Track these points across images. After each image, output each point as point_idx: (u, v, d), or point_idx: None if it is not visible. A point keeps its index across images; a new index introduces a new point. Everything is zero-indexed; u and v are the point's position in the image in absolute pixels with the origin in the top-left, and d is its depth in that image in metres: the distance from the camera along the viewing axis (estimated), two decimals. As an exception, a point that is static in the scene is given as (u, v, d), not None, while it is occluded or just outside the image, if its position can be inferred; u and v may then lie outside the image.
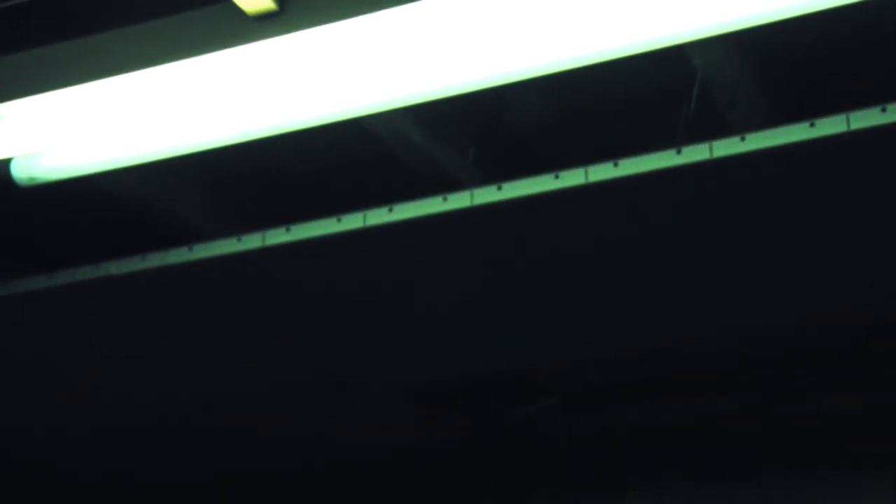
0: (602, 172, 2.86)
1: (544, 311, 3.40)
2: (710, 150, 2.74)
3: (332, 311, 3.46)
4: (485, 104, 2.86)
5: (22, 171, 2.71)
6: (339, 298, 3.41)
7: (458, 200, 3.02)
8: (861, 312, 3.25)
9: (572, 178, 2.90)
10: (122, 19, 2.56)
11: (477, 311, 3.47)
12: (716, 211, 2.97)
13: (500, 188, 3.01)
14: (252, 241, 3.09)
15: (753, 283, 3.12)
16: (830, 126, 2.61)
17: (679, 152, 2.79)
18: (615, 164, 2.88)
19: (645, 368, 3.64)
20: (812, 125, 2.65)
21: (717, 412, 3.90)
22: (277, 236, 3.08)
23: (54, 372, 3.80)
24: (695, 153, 2.76)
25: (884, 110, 2.59)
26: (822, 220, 2.91)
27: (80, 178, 2.71)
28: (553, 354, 3.61)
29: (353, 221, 3.05)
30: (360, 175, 3.19)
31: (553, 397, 3.91)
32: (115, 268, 3.16)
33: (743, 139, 2.71)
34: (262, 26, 2.47)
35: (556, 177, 2.94)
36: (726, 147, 2.73)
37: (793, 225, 2.95)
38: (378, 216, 3.04)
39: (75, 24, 2.59)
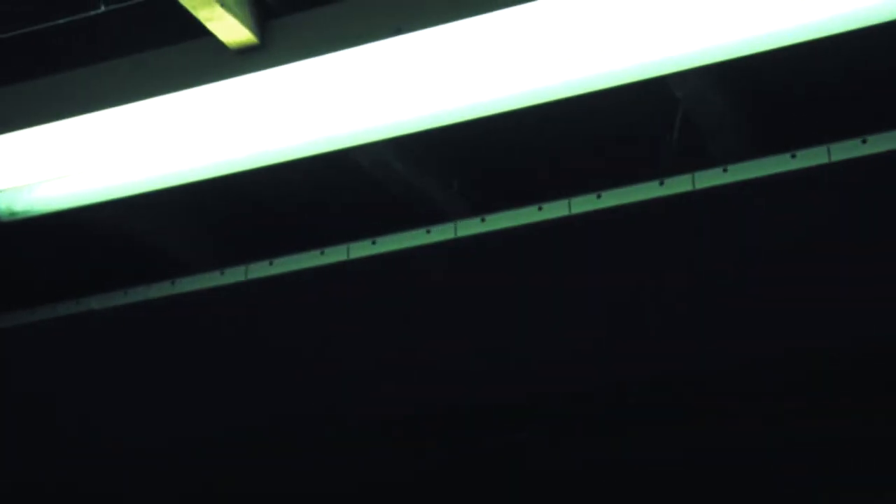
0: (585, 204, 2.87)
1: (530, 340, 3.38)
2: (693, 181, 2.76)
3: (314, 343, 3.45)
4: (468, 136, 2.86)
5: (2, 205, 2.70)
6: (322, 330, 3.40)
7: (442, 232, 3.02)
8: (845, 339, 3.24)
9: (556, 209, 2.91)
10: (103, 54, 2.56)
11: (462, 341, 3.46)
12: (698, 241, 2.98)
13: (483, 220, 3.02)
14: (235, 275, 3.08)
15: (736, 311, 3.11)
16: (812, 157, 2.63)
17: (662, 184, 2.80)
18: (598, 196, 2.88)
19: (633, 399, 3.62)
20: (793, 156, 2.67)
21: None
22: (261, 270, 3.07)
23: (35, 408, 3.77)
24: (677, 184, 2.77)
25: (864, 141, 2.61)
26: (804, 249, 2.92)
27: (61, 211, 2.69)
28: (539, 383, 3.59)
29: (336, 254, 3.05)
30: (343, 207, 3.18)
31: (540, 427, 3.88)
32: (97, 302, 3.15)
33: (725, 170, 2.73)
34: (245, 60, 2.47)
35: (540, 209, 2.95)
36: (709, 178, 2.74)
37: (774, 255, 2.95)
38: (362, 249, 3.04)
39: (56, 58, 2.59)
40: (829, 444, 2.98)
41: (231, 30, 2.41)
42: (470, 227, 2.99)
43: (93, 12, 2.24)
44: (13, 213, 2.69)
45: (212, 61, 2.49)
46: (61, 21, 2.27)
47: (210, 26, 2.39)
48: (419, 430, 3.45)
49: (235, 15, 2.38)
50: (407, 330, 3.29)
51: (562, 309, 3.16)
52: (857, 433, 2.94)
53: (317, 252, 3.06)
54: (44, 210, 2.69)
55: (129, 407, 3.71)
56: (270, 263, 3.09)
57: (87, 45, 2.57)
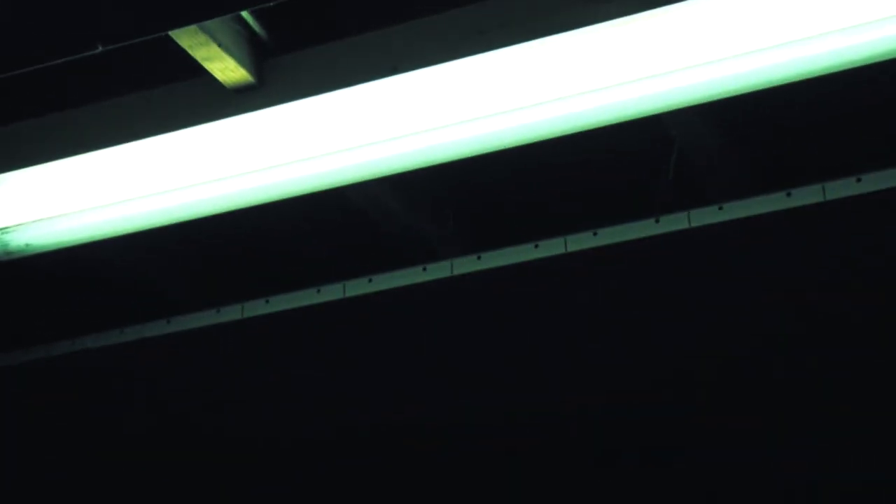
0: (581, 242, 2.87)
1: (523, 381, 3.37)
2: (689, 219, 2.76)
3: (311, 381, 3.43)
4: (464, 174, 2.87)
5: (-1, 245, 2.70)
6: (319, 368, 3.39)
7: (438, 270, 3.02)
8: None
9: (552, 247, 2.91)
10: (100, 93, 2.57)
11: (458, 378, 3.45)
12: (694, 278, 2.98)
13: (479, 258, 3.02)
14: (231, 313, 3.08)
15: (731, 351, 3.11)
16: (807, 196, 2.64)
17: (658, 221, 2.80)
18: (594, 234, 2.89)
19: (623, 437, 3.60)
20: (789, 195, 2.67)
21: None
22: (257, 308, 3.07)
23: (31, 447, 3.76)
24: (673, 222, 2.77)
25: (859, 180, 2.62)
26: (799, 288, 2.92)
27: (56, 250, 2.69)
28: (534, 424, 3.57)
29: (332, 293, 3.04)
30: (339, 246, 3.18)
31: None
32: (92, 342, 3.14)
33: (721, 208, 2.73)
34: (242, 99, 2.48)
35: (536, 246, 2.95)
36: (704, 216, 2.74)
37: (770, 293, 2.96)
38: (358, 287, 3.04)
39: (53, 98, 2.60)
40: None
41: (228, 69, 2.42)
42: (466, 264, 3.00)
43: (90, 52, 2.24)
44: (9, 252, 2.68)
45: (209, 100, 2.50)
46: (58, 61, 2.27)
47: (207, 66, 2.40)
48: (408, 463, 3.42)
49: (233, 55, 2.40)
50: (403, 368, 3.29)
51: (557, 347, 3.16)
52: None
53: (313, 290, 3.05)
54: (39, 249, 2.68)
55: (123, 447, 3.70)
56: (266, 302, 3.09)
57: (84, 84, 2.58)
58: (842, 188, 2.63)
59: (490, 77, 2.35)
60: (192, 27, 2.26)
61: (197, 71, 2.43)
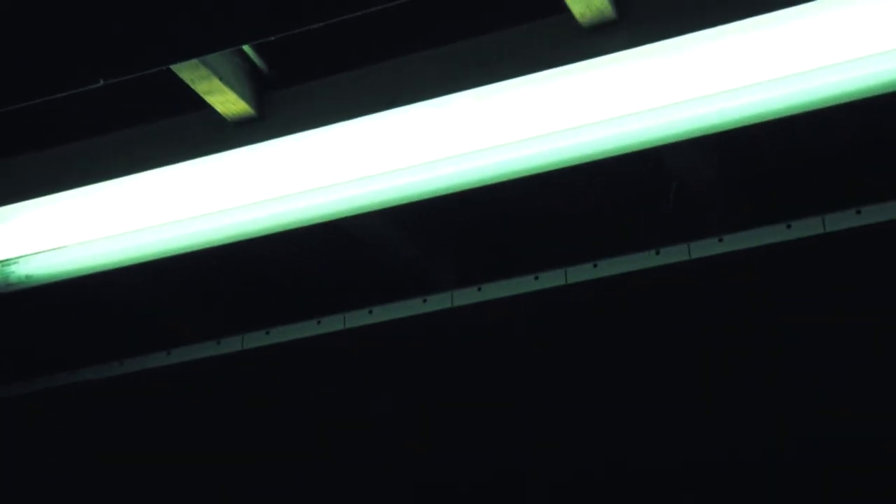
0: (581, 273, 2.87)
1: (528, 411, 3.36)
2: (689, 250, 2.76)
3: (311, 413, 3.42)
4: (464, 205, 2.87)
5: (-1, 278, 2.71)
6: (320, 400, 3.37)
7: (439, 302, 3.02)
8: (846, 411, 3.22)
9: (552, 279, 2.91)
10: (101, 127, 2.58)
11: (459, 411, 3.44)
12: (695, 310, 2.97)
13: (480, 289, 3.02)
14: (231, 345, 3.07)
15: (734, 384, 3.10)
16: (807, 228, 2.64)
17: (658, 253, 2.80)
18: (595, 266, 2.89)
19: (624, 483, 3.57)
20: (789, 227, 2.67)
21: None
22: (257, 339, 3.06)
23: (32, 479, 3.74)
24: (673, 254, 2.77)
25: (858, 212, 2.62)
26: (797, 320, 2.91)
27: (57, 282, 2.69)
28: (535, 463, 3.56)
29: (332, 324, 3.04)
30: (340, 277, 3.18)
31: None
32: (93, 373, 3.13)
33: (721, 240, 2.73)
34: (242, 132, 2.49)
35: (536, 278, 2.95)
36: (704, 248, 2.74)
37: (770, 325, 2.95)
38: (358, 318, 3.03)
39: (54, 131, 2.61)
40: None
41: (229, 102, 2.43)
42: (466, 296, 2.99)
43: (92, 86, 2.25)
44: (10, 284, 2.68)
45: (210, 133, 2.50)
46: (60, 95, 2.28)
47: (209, 99, 2.41)
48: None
49: (233, 88, 2.40)
50: (404, 399, 3.28)
51: (558, 383, 3.15)
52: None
53: (313, 322, 3.05)
54: (40, 281, 2.69)
55: (124, 478, 3.68)
56: (267, 333, 3.08)
57: (85, 117, 2.58)
58: (842, 220, 2.63)
59: (490, 109, 2.36)
60: (194, 61, 2.27)
61: (198, 104, 2.43)
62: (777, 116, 2.28)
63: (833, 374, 2.88)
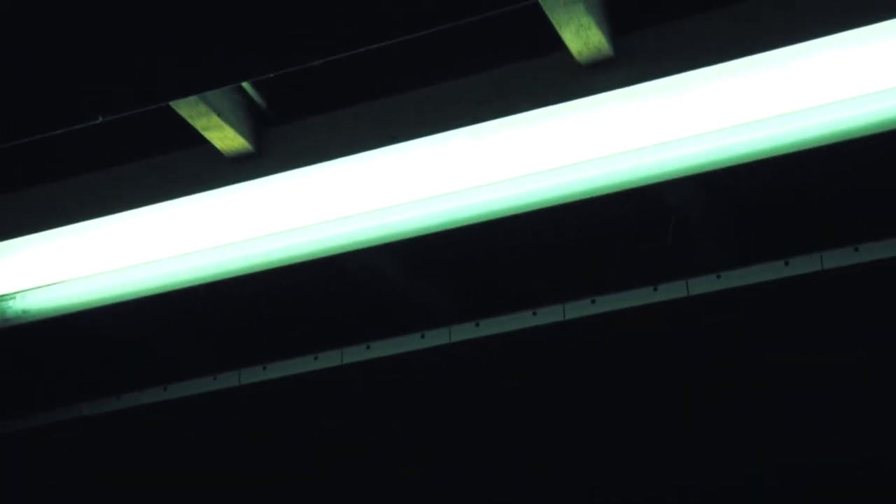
0: (580, 309, 2.86)
1: (528, 447, 3.35)
2: (687, 287, 2.76)
3: (309, 449, 3.41)
4: (462, 241, 2.87)
5: (-5, 312, 2.70)
6: (317, 436, 3.36)
7: (437, 337, 3.01)
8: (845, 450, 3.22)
9: (550, 315, 2.90)
10: (100, 162, 2.58)
11: (458, 445, 3.43)
12: (693, 346, 2.97)
13: (478, 325, 3.01)
14: (228, 380, 3.06)
15: (731, 421, 3.09)
16: (804, 265, 2.64)
17: (656, 289, 2.80)
18: (593, 301, 2.88)
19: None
20: (787, 264, 2.67)
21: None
22: (254, 375, 3.05)
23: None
24: (671, 291, 2.77)
25: (856, 249, 2.62)
26: (796, 357, 2.91)
27: (53, 317, 2.68)
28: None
29: (330, 359, 3.03)
30: (337, 312, 3.17)
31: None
32: (89, 409, 3.11)
33: (719, 277, 2.73)
34: (241, 168, 2.49)
35: (534, 314, 2.94)
36: (702, 285, 2.74)
37: (768, 362, 2.95)
38: (356, 354, 3.02)
39: (54, 167, 2.61)
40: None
41: (227, 138, 2.43)
42: (464, 332, 2.98)
43: (90, 123, 2.26)
44: (6, 320, 2.68)
45: (208, 169, 2.50)
46: (59, 131, 2.28)
47: (207, 135, 2.41)
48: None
49: (232, 124, 2.41)
50: (401, 436, 3.27)
51: (555, 417, 3.14)
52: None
53: (310, 357, 3.04)
54: (37, 316, 2.68)
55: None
56: (264, 368, 3.07)
57: (84, 153, 2.59)
58: (839, 258, 2.63)
59: (488, 146, 2.36)
60: (193, 97, 2.27)
61: (196, 140, 2.44)
62: (775, 154, 2.28)
63: (824, 407, 2.88)
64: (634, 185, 2.38)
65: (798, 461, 2.90)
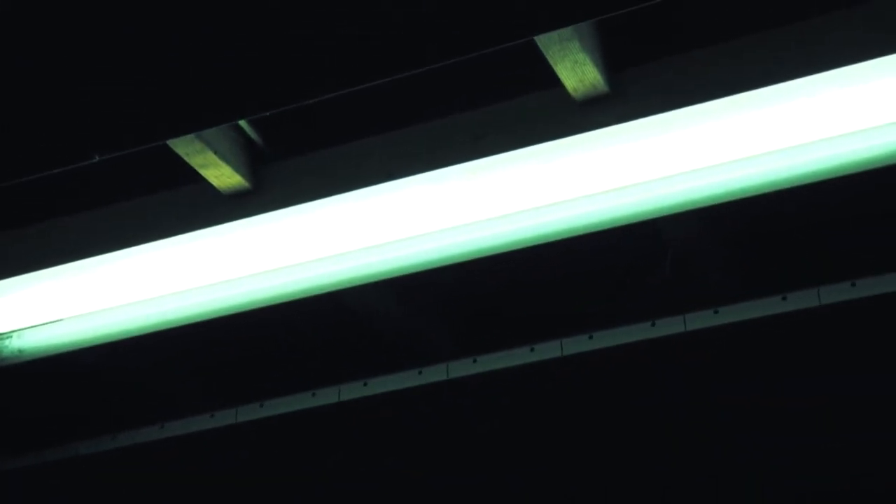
0: (577, 345, 2.86)
1: (523, 483, 3.33)
2: (685, 322, 2.75)
3: (307, 487, 3.38)
4: (459, 277, 2.86)
5: (-9, 351, 2.69)
6: (315, 473, 3.34)
7: (434, 374, 3.00)
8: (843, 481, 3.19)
9: (547, 350, 2.90)
10: (96, 201, 2.58)
11: (453, 481, 3.41)
12: (689, 382, 2.96)
13: (475, 361, 3.00)
14: (225, 418, 3.04)
15: (728, 457, 3.07)
16: (802, 300, 2.63)
17: (653, 325, 2.79)
18: (590, 337, 2.87)
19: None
20: (784, 298, 2.67)
21: None
22: (251, 412, 3.04)
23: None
24: (669, 326, 2.76)
25: (853, 285, 2.62)
26: (794, 393, 2.90)
27: (49, 356, 2.67)
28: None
29: (327, 396, 3.01)
30: (334, 349, 3.16)
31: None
32: (85, 448, 3.09)
33: (716, 312, 2.72)
34: (237, 205, 2.49)
35: (532, 349, 2.93)
36: (700, 320, 2.73)
37: (766, 396, 2.93)
38: (353, 391, 3.01)
39: (50, 206, 2.60)
40: None
41: (224, 176, 2.43)
42: (462, 368, 2.97)
43: (86, 162, 2.26)
44: (2, 359, 2.67)
45: (205, 206, 2.50)
46: (54, 171, 2.28)
47: (203, 173, 2.41)
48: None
49: (228, 162, 2.40)
50: (400, 473, 3.25)
51: (553, 454, 3.12)
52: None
53: (308, 394, 3.02)
54: (33, 355, 2.67)
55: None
56: (261, 406, 3.06)
57: (79, 191, 2.58)
58: (837, 293, 2.63)
59: (486, 182, 2.36)
60: (189, 135, 2.27)
61: (193, 177, 2.43)
62: (772, 189, 2.28)
63: (833, 446, 2.86)
64: (631, 221, 2.38)
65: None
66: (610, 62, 2.25)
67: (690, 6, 2.25)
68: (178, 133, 2.24)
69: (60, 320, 2.62)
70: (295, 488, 3.36)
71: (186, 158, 2.35)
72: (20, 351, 2.65)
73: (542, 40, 2.07)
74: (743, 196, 2.31)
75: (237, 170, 2.43)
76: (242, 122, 2.45)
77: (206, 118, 2.22)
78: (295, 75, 2.16)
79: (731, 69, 2.20)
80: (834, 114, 2.20)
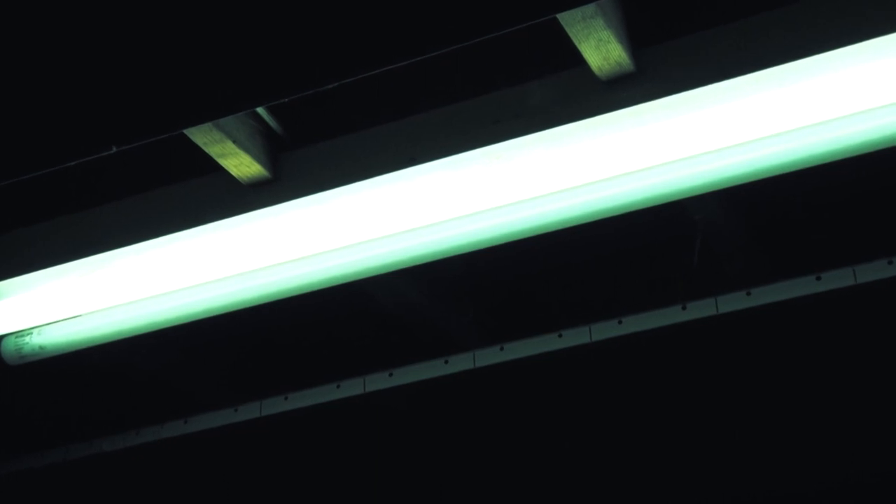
0: (606, 330, 2.81)
1: (554, 475, 3.29)
2: (716, 305, 2.70)
3: (333, 482, 3.36)
4: (485, 263, 2.83)
5: (12, 348, 2.66)
6: (342, 467, 3.31)
7: (461, 363, 2.96)
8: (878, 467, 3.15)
9: (576, 337, 2.85)
10: (115, 192, 2.55)
11: (485, 475, 3.38)
12: (722, 366, 2.91)
13: (502, 349, 2.96)
14: (250, 411, 3.01)
15: (762, 443, 3.03)
16: (837, 279, 2.58)
17: (684, 308, 2.75)
18: (619, 322, 2.83)
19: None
20: (818, 279, 2.61)
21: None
22: (275, 405, 3.01)
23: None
24: (700, 309, 2.71)
25: (890, 262, 2.56)
26: (829, 374, 2.85)
27: (71, 352, 2.65)
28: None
29: (352, 388, 2.98)
30: (359, 340, 3.13)
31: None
32: (108, 444, 3.08)
33: (749, 294, 2.67)
34: (257, 194, 2.45)
35: (560, 336, 2.89)
36: (732, 302, 2.68)
37: (800, 380, 2.88)
38: (379, 381, 2.98)
39: (68, 199, 2.58)
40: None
41: (243, 165, 2.39)
42: (489, 356, 2.93)
43: (104, 153, 2.23)
44: (23, 356, 2.65)
45: (224, 196, 2.47)
46: (72, 163, 2.25)
47: (222, 162, 2.37)
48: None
49: (248, 150, 2.37)
50: (426, 465, 3.21)
51: (582, 441, 3.08)
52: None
53: (333, 386, 2.99)
54: (54, 351, 2.65)
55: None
56: (286, 399, 3.02)
57: (99, 184, 2.56)
58: (873, 271, 2.57)
59: (510, 166, 2.31)
60: (207, 124, 2.24)
61: (211, 167, 2.40)
62: (803, 166, 2.23)
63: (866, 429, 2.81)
64: (659, 202, 2.33)
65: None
66: (635, 39, 2.20)
67: (718, -21, 2.20)
68: (195, 122, 2.20)
69: (81, 316, 2.59)
70: (321, 481, 3.33)
71: (205, 148, 2.31)
72: (41, 347, 2.63)
73: (564, 18, 2.02)
74: (772, 174, 2.25)
75: (257, 158, 2.39)
76: (261, 110, 2.42)
77: (223, 106, 2.18)
78: (312, 60, 2.12)
79: (759, 44, 2.15)
80: (866, 87, 2.14)
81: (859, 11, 2.08)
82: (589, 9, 2.01)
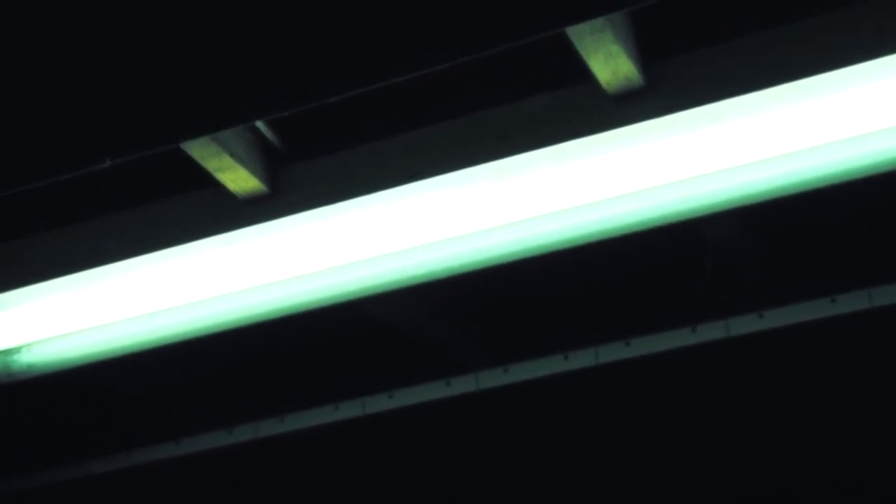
0: (613, 352, 2.77)
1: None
2: (727, 327, 2.66)
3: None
4: (489, 282, 2.78)
5: (0, 366, 2.62)
6: (338, 492, 3.26)
7: (463, 384, 2.92)
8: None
9: (582, 359, 2.81)
10: (109, 207, 2.51)
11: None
12: (733, 391, 2.86)
13: (506, 370, 2.92)
14: (245, 433, 2.97)
15: (775, 472, 2.98)
16: (852, 302, 2.54)
17: (694, 331, 2.71)
18: (627, 344, 2.79)
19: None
20: (833, 301, 2.57)
21: None
22: (272, 427, 2.97)
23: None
24: (710, 331, 2.68)
25: (907, 286, 2.52)
26: (844, 399, 2.80)
27: (61, 371, 2.60)
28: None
29: (351, 409, 2.94)
30: (358, 360, 3.09)
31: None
32: (99, 466, 3.03)
33: (761, 316, 2.63)
34: (254, 209, 2.41)
35: (566, 358, 2.85)
36: (744, 324, 2.64)
37: (814, 405, 2.83)
38: (378, 403, 2.94)
39: (61, 212, 2.54)
40: None
41: (241, 179, 2.35)
42: (492, 378, 2.90)
43: (98, 167, 2.19)
44: (11, 374, 2.60)
45: (221, 211, 2.43)
46: (66, 176, 2.21)
47: (219, 176, 2.33)
48: None
49: (245, 165, 2.33)
50: (426, 491, 3.17)
51: (588, 468, 3.03)
52: None
53: (331, 407, 2.95)
54: (44, 370, 2.61)
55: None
56: (282, 420, 2.99)
57: (93, 198, 2.52)
58: (890, 294, 2.53)
59: (515, 183, 2.27)
60: (204, 138, 2.20)
61: (208, 181, 2.36)
62: (818, 186, 2.19)
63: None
64: (669, 221, 2.29)
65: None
66: (644, 54, 2.15)
67: (728, -7, 2.16)
68: (192, 135, 2.16)
69: (72, 333, 2.55)
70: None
71: (201, 162, 2.27)
72: (30, 366, 2.59)
73: (573, 32, 1.98)
74: (787, 193, 2.21)
75: (254, 173, 2.35)
76: (259, 124, 2.38)
77: (221, 119, 2.14)
78: (312, 73, 2.08)
79: (772, 59, 2.11)
80: (883, 105, 2.10)
81: (878, 27, 2.03)
82: (598, 22, 1.98)
